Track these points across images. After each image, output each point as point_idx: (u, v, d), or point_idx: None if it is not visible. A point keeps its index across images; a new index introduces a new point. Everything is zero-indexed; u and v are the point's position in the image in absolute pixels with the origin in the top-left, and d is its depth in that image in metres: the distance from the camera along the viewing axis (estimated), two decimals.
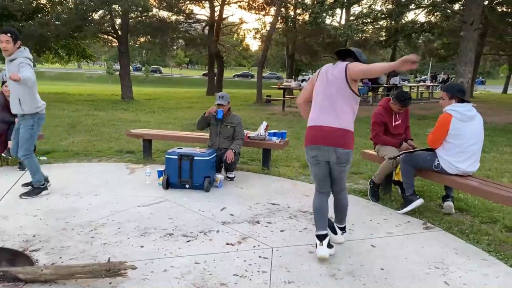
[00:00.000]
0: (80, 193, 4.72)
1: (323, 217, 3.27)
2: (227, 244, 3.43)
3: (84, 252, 3.19)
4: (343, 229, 3.56)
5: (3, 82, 5.93)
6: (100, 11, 18.18)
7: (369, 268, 3.07)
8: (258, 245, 3.43)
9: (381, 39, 24.45)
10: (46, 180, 4.74)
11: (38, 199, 4.48)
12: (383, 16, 17.71)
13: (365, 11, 18.61)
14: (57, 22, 16.62)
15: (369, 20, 17.13)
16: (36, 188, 4.63)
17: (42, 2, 19.24)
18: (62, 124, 10.00)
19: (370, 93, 18.98)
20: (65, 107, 14.32)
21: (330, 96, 3.17)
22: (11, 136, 4.81)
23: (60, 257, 3.09)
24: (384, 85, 19.02)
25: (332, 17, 17.97)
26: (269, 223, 3.92)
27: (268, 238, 3.58)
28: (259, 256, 3.21)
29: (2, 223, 3.75)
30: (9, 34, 4.24)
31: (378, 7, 19.69)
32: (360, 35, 20.13)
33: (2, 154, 5.65)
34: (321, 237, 3.21)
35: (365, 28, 17.23)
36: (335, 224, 3.55)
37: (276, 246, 3.42)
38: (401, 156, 4.37)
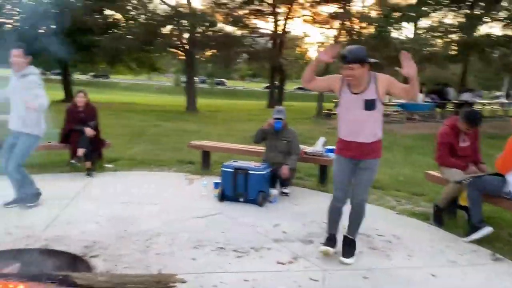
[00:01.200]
0: (141, 202, 4.89)
1: None
2: (278, 263, 3.37)
3: (139, 262, 3.28)
4: None
5: (76, 93, 6.36)
6: (169, 26, 19.01)
7: None
8: (310, 266, 3.34)
9: (452, 53, 23.30)
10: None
11: (101, 206, 4.69)
12: (454, 29, 16.88)
13: (434, 24, 17.90)
14: (129, 36, 17.60)
15: (438, 34, 16.40)
16: (32, 196, 4.60)
17: (116, 17, 20.53)
18: (128, 133, 10.50)
19: (437, 109, 18.08)
20: (132, 117, 15.06)
21: None
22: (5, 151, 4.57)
23: (116, 265, 3.20)
24: (454, 101, 18.06)
25: (399, 30, 17.46)
26: (322, 243, 3.81)
27: (320, 259, 3.48)
28: (310, 278, 3.12)
29: (67, 228, 3.97)
30: (21, 50, 4.29)
31: (448, 20, 18.84)
32: (428, 49, 19.32)
33: (72, 161, 6.01)
34: None
35: (432, 42, 16.52)
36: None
37: (328, 268, 3.31)
38: (467, 180, 4.08)
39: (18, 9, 18.92)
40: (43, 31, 18.47)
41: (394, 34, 18.53)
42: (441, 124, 4.74)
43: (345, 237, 3.57)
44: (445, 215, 4.56)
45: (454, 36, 21.20)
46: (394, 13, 14.70)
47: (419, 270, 3.35)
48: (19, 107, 4.35)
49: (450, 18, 19.47)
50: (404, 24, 18.97)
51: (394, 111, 17.67)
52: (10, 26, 19.06)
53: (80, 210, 4.53)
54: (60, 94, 20.85)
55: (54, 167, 6.36)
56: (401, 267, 3.38)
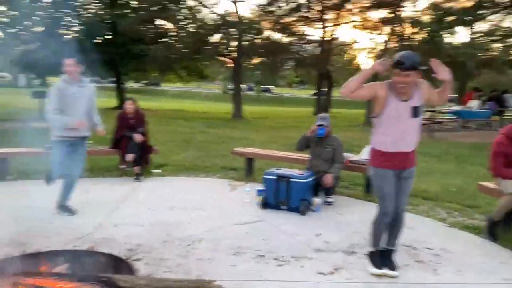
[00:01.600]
0: (185, 207, 4.98)
1: None
2: (319, 273, 3.30)
3: (179, 266, 3.32)
4: None
5: (125, 101, 6.60)
6: (218, 35, 19.37)
7: None
8: (351, 278, 3.24)
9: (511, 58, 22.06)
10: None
11: (147, 210, 4.82)
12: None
13: (491, 28, 17.02)
14: (179, 45, 18.11)
15: (496, 38, 15.56)
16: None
17: (168, 27, 21.19)
18: (176, 140, 10.76)
19: (495, 117, 17.13)
20: (181, 124, 15.42)
21: None
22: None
23: (157, 269, 3.26)
24: None
25: (452, 35, 16.75)
26: (366, 254, 3.69)
27: (363, 271, 3.36)
28: None
29: (113, 230, 4.10)
30: (75, 59, 4.42)
31: (507, 24, 17.85)
32: (484, 54, 18.37)
33: (121, 166, 6.23)
34: None
35: (489, 46, 15.68)
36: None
37: (371, 281, 3.20)
38: None
39: (76, 21, 20.02)
40: (98, 41, 19.41)
41: (448, 39, 17.83)
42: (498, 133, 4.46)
43: (388, 250, 3.43)
44: (500, 229, 4.28)
45: None
46: (447, 18, 14.10)
47: (468, 287, 3.16)
48: (81, 114, 4.49)
49: (509, 21, 18.46)
50: (458, 28, 18.23)
51: (448, 118, 16.96)
52: (69, 36, 20.19)
53: (127, 213, 4.67)
54: (114, 102, 21.77)
55: (104, 172, 6.62)
56: (449, 283, 3.20)
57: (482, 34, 16.24)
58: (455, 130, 15.60)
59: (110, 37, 20.54)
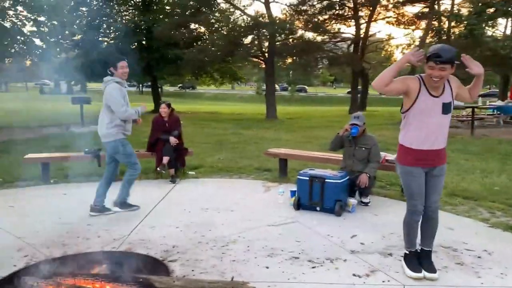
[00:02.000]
0: (219, 208, 5.02)
1: None
2: (354, 275, 3.24)
3: (214, 267, 3.35)
4: None
5: (160, 104, 6.73)
6: (250, 36, 19.46)
7: None
8: (388, 280, 3.16)
9: None
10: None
11: (182, 211, 4.89)
12: None
13: None
14: (212, 48, 18.32)
15: None
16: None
17: (201, 31, 21.48)
18: (211, 141, 10.88)
19: None
20: (215, 126, 15.59)
21: None
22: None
23: (193, 270, 3.30)
24: None
25: (493, 28, 16.05)
26: (402, 256, 3.59)
27: (400, 274, 3.28)
28: None
29: (150, 232, 4.19)
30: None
31: None
32: None
33: (158, 169, 6.35)
34: None
35: None
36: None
37: (408, 283, 3.11)
38: None
39: (112, 28, 20.62)
40: (134, 47, 19.92)
41: (488, 32, 17.13)
42: None
43: (425, 251, 3.33)
44: None
45: None
46: (487, 10, 13.53)
47: None
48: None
49: None
50: (500, 20, 17.49)
51: (489, 114, 16.31)
52: (106, 43, 20.82)
53: (163, 215, 4.76)
54: (150, 105, 22.30)
55: (141, 175, 6.75)
56: (492, 286, 3.06)
57: None
58: (497, 126, 14.99)
59: (145, 42, 21.04)
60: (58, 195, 5.63)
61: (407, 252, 3.36)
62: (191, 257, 3.55)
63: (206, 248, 3.78)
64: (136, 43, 20.95)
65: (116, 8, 21.41)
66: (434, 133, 3.11)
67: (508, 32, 22.64)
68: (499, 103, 16.18)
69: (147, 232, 4.17)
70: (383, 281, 3.15)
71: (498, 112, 15.38)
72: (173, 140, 6.40)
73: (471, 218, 4.74)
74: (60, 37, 19.45)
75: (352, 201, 4.89)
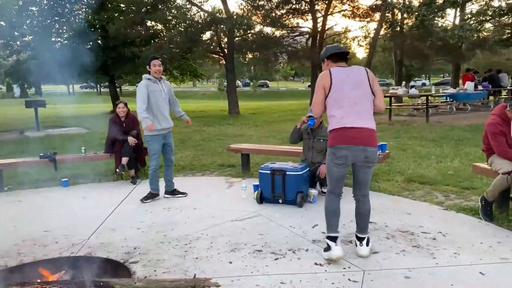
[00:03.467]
0: (181, 207, 4.98)
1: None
2: (316, 264, 3.30)
3: (177, 266, 3.32)
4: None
5: (117, 104, 6.59)
6: (208, 32, 19.30)
7: None
8: (349, 267, 3.24)
9: (504, 37, 22.00)
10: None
11: (144, 212, 4.82)
12: (503, 12, 15.88)
13: (482, 8, 16.93)
14: (170, 46, 18.03)
15: (487, 18, 15.49)
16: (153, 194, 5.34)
17: (158, 28, 21.10)
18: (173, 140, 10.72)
19: (491, 98, 17.13)
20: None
21: (357, 97, 3.32)
22: (158, 152, 5.35)
23: (155, 270, 3.26)
24: (508, 88, 17.05)
25: (442, 18, 16.66)
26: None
27: (360, 259, 3.37)
28: (349, 279, 3.03)
29: (110, 234, 4.10)
30: (160, 59, 5.22)
31: (496, 3, 17.78)
32: (476, 35, 18.29)
33: (117, 170, 6.22)
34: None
35: (479, 27, 15.59)
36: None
37: (368, 269, 3.19)
38: None
39: (65, 27, 19.94)
40: (89, 46, 19.33)
41: (438, 22, 17.76)
42: None
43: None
44: (496, 209, 4.29)
45: (505, 19, 20.01)
46: (436, 0, 14.01)
47: (467, 268, 3.16)
48: (166, 108, 5.26)
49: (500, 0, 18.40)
50: (449, 11, 18.14)
51: (443, 102, 16.95)
52: (59, 43, 20.11)
53: (123, 217, 4.67)
54: (109, 106, 21.75)
55: (101, 176, 6.61)
56: (447, 266, 3.20)
57: (473, 15, 16.15)
58: (450, 113, 15.62)
59: (100, 41, 20.47)
60: (13, 203, 5.41)
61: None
62: (153, 258, 3.51)
63: (168, 247, 3.74)
64: (91, 43, 20.33)
65: (68, 7, 20.67)
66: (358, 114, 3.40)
67: (456, 22, 23.57)
68: (452, 90, 16.82)
69: (108, 235, 4.08)
70: (344, 268, 3.22)
71: (451, 100, 16.00)
72: (131, 140, 6.27)
73: (427, 202, 4.92)
74: (9, 38, 18.64)
75: (313, 191, 4.97)
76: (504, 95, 17.65)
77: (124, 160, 6.16)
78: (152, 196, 5.31)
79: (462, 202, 4.87)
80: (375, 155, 3.38)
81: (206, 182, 6.25)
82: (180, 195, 5.46)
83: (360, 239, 3.47)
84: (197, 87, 70.85)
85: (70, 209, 4.97)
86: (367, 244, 3.44)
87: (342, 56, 3.45)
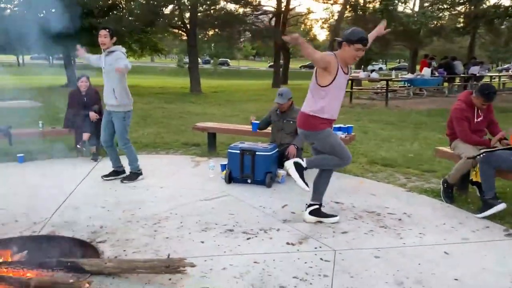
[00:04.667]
0: (147, 185, 4.86)
1: None
2: (288, 243, 3.33)
3: (147, 246, 3.25)
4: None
5: (79, 78, 6.27)
6: (170, 6, 18.71)
7: (442, 278, 2.82)
8: (320, 247, 3.29)
9: (459, 26, 22.83)
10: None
11: (108, 190, 4.67)
12: (461, 1, 16.42)
13: None
14: (130, 18, 17.35)
15: (445, 6, 15.97)
16: (134, 173, 5.05)
17: None
18: (133, 116, 10.37)
19: (445, 84, 17.82)
20: (137, 100, 14.80)
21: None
22: (101, 127, 5.08)
23: (124, 250, 3.17)
24: (462, 75, 17.79)
25: (405, 4, 17.03)
26: (332, 223, 3.75)
27: (330, 239, 3.43)
28: (321, 259, 3.07)
29: (74, 213, 3.94)
30: (107, 30, 4.75)
31: None
32: (435, 22, 18.86)
33: (78, 146, 5.97)
34: None
35: (440, 14, 16.08)
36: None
37: (338, 248, 3.26)
38: (481, 156, 3.97)
39: None
40: (42, 15, 18.23)
41: (401, 8, 18.13)
42: (449, 99, 4.60)
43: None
44: (456, 192, 4.48)
45: (461, 8, 20.74)
46: None
47: (432, 248, 3.29)
48: (109, 83, 4.80)
49: None
50: None
51: (401, 86, 17.45)
52: (9, 11, 18.84)
53: (86, 195, 4.49)
54: (63, 79, 20.76)
55: (59, 153, 6.31)
56: (413, 246, 3.32)
57: (432, 3, 16.60)
58: (408, 98, 16.11)
59: (55, 10, 19.36)
60: None
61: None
62: (122, 237, 3.41)
63: (137, 226, 3.64)
64: (44, 11, 19.17)
65: None
66: (340, 104, 3.65)
67: (416, 9, 24.16)
68: (410, 76, 17.32)
69: (71, 214, 3.92)
70: (315, 248, 3.27)
71: (409, 85, 16.49)
72: (93, 115, 6.02)
73: (391, 184, 5.07)
74: None
75: (282, 172, 4.99)
76: (458, 82, 18.39)
77: (85, 136, 5.91)
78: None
79: (423, 184, 5.05)
80: None
81: (171, 161, 6.12)
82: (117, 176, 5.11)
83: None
84: (156, 62, 69.00)
85: (29, 186, 4.73)
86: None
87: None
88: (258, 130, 5.70)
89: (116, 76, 4.68)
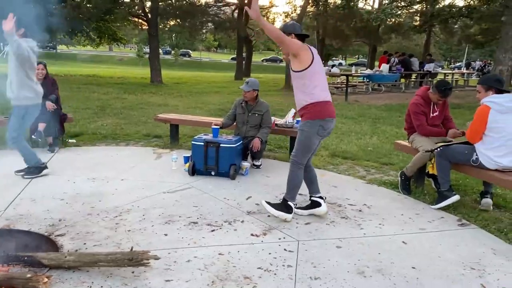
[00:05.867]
0: (107, 177, 4.73)
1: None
2: (252, 235, 3.35)
3: (108, 239, 3.17)
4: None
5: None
6: None
7: (400, 267, 2.93)
8: (284, 237, 3.33)
9: (416, 24, 23.61)
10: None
11: (66, 182, 4.51)
12: (418, 0, 16.96)
13: None
14: (88, 5, 16.75)
15: (403, 4, 16.45)
16: (36, 167, 4.65)
17: None
18: (91, 107, 10.11)
19: (402, 80, 18.41)
20: (95, 90, 14.50)
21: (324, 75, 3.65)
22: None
23: (85, 243, 3.08)
24: (418, 71, 18.42)
25: (366, 0, 17.40)
26: (295, 214, 3.81)
27: (293, 230, 3.48)
28: (285, 249, 3.12)
29: (30, 206, 3.79)
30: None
31: None
32: (394, 19, 19.42)
33: (33, 136, 5.72)
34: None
35: (399, 12, 16.57)
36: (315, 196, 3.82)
37: (302, 239, 3.31)
38: (438, 149, 4.14)
39: None
40: None
41: (361, 4, 18.51)
42: (406, 94, 4.77)
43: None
44: (413, 184, 4.66)
45: (418, 7, 21.43)
46: None
47: (391, 238, 3.41)
48: (10, 75, 4.40)
49: None
50: None
51: (360, 82, 17.86)
52: None
53: (43, 187, 4.32)
54: None
55: None
56: (373, 236, 3.43)
57: (391, 1, 17.07)
58: (366, 93, 16.52)
59: None
60: None
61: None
62: (82, 230, 3.31)
63: (97, 219, 3.55)
64: None
65: None
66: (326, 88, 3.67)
67: (376, 6, 24.76)
68: (369, 71, 17.76)
69: (27, 206, 3.76)
70: (279, 239, 3.31)
71: (368, 80, 16.91)
72: (50, 105, 5.78)
73: (351, 176, 5.20)
74: None
75: (246, 164, 5.00)
76: (414, 78, 19.03)
77: (41, 126, 5.67)
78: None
79: (382, 176, 5.21)
80: None
81: (131, 153, 5.99)
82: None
83: (322, 198, 3.79)
84: (114, 51, 67.04)
85: (46, 172, 4.51)
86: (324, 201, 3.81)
87: (304, 38, 3.65)
88: (223, 128, 5.59)
89: (13, 67, 4.30)
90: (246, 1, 24.45)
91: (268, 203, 3.72)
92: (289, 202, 3.66)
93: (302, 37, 3.61)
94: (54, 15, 16.33)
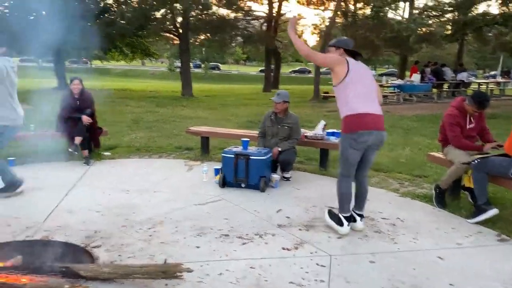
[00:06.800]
0: (140, 190, 4.83)
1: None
2: (283, 249, 3.33)
3: (142, 251, 3.23)
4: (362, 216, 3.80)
5: (71, 80, 6.22)
6: (162, 10, 18.69)
7: (436, 283, 2.85)
8: (316, 252, 3.30)
9: (448, 32, 23.14)
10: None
11: (101, 195, 4.62)
12: (451, 8, 16.65)
13: (430, 3, 17.66)
14: (121, 21, 17.30)
15: (434, 13, 16.17)
16: (10, 186, 4.48)
17: (108, 2, 20.12)
18: (125, 120, 10.38)
19: (434, 90, 18.03)
20: (128, 103, 14.88)
21: (371, 87, 3.64)
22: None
23: (119, 255, 3.14)
24: (450, 81, 18.00)
25: (395, 10, 17.22)
26: (327, 227, 3.77)
27: (325, 244, 3.44)
28: (317, 264, 3.09)
29: (67, 217, 3.90)
30: None
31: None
32: (425, 29, 19.10)
33: (70, 150, 5.91)
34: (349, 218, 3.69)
35: (430, 21, 16.30)
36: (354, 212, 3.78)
37: (334, 253, 3.27)
38: (474, 162, 4.02)
39: None
40: (33, 17, 18.10)
41: (391, 14, 18.33)
42: (438, 104, 4.67)
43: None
44: (448, 197, 4.53)
45: (450, 16, 21.02)
46: None
47: (426, 253, 3.32)
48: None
49: None
50: (401, 4, 18.72)
51: (391, 92, 17.60)
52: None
53: (79, 199, 4.45)
54: (53, 82, 20.57)
55: (51, 156, 6.25)
56: (407, 250, 3.35)
57: (422, 10, 16.83)
58: (398, 103, 16.25)
59: (45, 13, 19.21)
60: None
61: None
62: (116, 242, 3.39)
63: (131, 231, 3.62)
64: (34, 14, 19.01)
65: None
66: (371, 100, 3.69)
67: (406, 15, 24.46)
68: (399, 81, 17.50)
69: (65, 218, 3.88)
70: (311, 253, 3.28)
71: (399, 90, 16.65)
72: (85, 119, 5.97)
73: (384, 189, 5.11)
74: None
75: (275, 176, 5.00)
76: (446, 88, 18.61)
77: (78, 139, 5.86)
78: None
79: (415, 189, 5.10)
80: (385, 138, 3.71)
81: (164, 165, 6.10)
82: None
83: (361, 216, 3.77)
84: (146, 66, 68.71)
85: (20, 190, 4.67)
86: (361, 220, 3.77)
87: (355, 55, 3.69)
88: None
89: None
90: (274, 14, 24.70)
91: (330, 211, 3.81)
92: (339, 215, 3.67)
93: (352, 54, 3.65)
94: (89, 32, 16.96)
